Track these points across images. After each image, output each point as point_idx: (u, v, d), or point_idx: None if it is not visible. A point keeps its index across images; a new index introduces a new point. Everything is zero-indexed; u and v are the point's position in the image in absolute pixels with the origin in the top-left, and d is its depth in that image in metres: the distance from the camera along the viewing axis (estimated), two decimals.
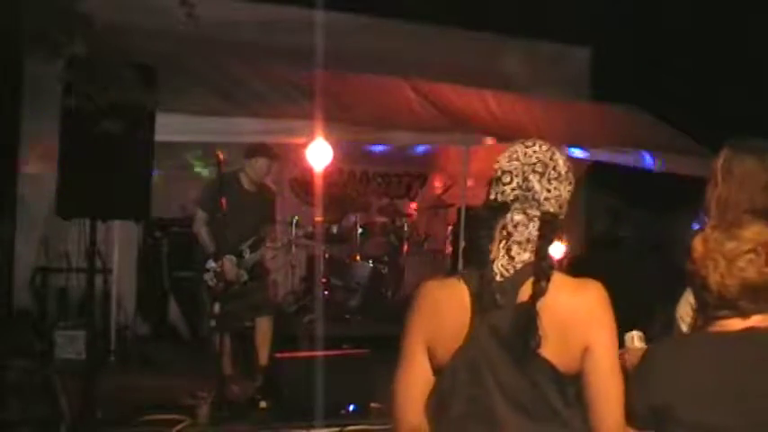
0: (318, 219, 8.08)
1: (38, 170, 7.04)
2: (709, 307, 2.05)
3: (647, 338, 2.94)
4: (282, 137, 7.35)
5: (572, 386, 1.99)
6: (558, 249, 8.13)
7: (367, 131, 7.63)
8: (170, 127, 5.81)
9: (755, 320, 2.04)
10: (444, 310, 2.06)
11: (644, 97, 8.96)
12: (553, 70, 9.99)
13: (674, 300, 2.99)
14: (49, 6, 4.84)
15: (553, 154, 2.08)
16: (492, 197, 2.09)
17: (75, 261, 7.14)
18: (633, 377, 2.10)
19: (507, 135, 8.17)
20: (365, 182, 9.94)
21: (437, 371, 2.07)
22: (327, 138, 7.34)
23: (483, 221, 2.08)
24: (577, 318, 1.98)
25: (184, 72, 6.81)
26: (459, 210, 8.58)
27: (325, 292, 8.18)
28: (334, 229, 8.73)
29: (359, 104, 7.69)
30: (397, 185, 10.09)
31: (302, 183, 9.31)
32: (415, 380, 2.09)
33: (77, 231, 6.41)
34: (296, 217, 8.23)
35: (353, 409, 5.55)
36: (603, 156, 8.59)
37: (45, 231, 7.55)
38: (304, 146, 7.65)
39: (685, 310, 2.79)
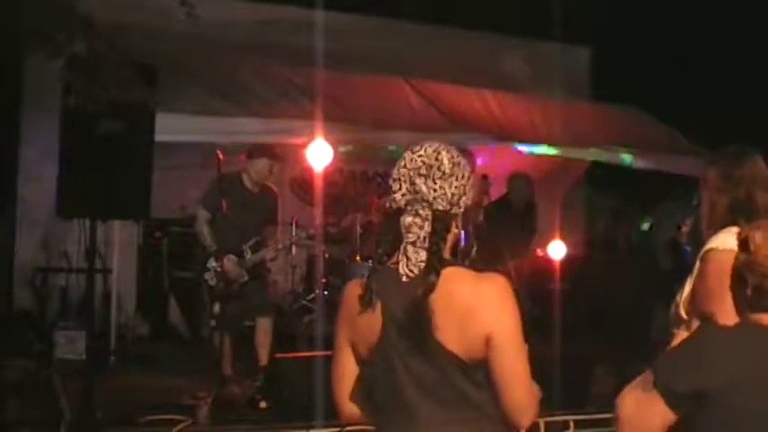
0: (318, 219, 8.07)
1: (38, 170, 7.04)
2: (754, 296, 2.11)
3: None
4: (282, 137, 7.35)
5: (479, 370, 2.09)
6: (557, 249, 8.15)
7: (367, 131, 7.63)
8: (170, 127, 5.80)
9: None
10: (355, 307, 2.20)
11: (644, 97, 8.96)
12: (553, 70, 9.99)
13: (667, 299, 3.04)
14: (50, 6, 4.84)
15: (438, 154, 2.19)
16: (387, 205, 2.23)
17: (75, 261, 7.14)
18: (677, 358, 2.17)
19: (507, 135, 8.18)
20: (365, 182, 9.94)
21: (361, 363, 2.25)
22: (327, 138, 7.34)
23: (383, 228, 2.24)
24: (476, 308, 2.07)
25: (184, 72, 6.80)
26: None
27: (325, 292, 8.18)
28: (334, 230, 8.73)
29: (359, 104, 7.69)
30: None
31: (302, 183, 9.31)
32: (343, 373, 2.32)
33: (77, 231, 6.40)
34: (294, 218, 8.22)
35: None
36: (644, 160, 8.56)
37: (45, 231, 7.55)
38: (304, 146, 7.65)
39: (686, 297, 2.88)
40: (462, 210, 2.20)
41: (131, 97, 4.75)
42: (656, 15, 8.91)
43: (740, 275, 2.15)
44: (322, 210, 8.21)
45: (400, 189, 2.19)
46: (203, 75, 7.13)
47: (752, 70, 8.28)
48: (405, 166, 2.19)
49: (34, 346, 6.72)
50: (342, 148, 8.36)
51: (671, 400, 2.10)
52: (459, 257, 2.28)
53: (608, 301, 8.02)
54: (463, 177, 2.20)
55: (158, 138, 5.15)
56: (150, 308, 8.13)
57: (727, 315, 2.30)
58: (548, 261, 7.97)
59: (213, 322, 6.02)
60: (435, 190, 2.16)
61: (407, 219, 2.16)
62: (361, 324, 2.19)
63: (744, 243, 2.16)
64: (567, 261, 8.11)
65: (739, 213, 2.85)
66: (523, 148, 8.19)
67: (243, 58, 7.73)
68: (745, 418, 2.04)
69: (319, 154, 7.65)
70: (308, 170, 8.24)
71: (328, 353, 6.28)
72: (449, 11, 8.87)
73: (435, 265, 2.09)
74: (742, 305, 2.17)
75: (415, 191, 2.17)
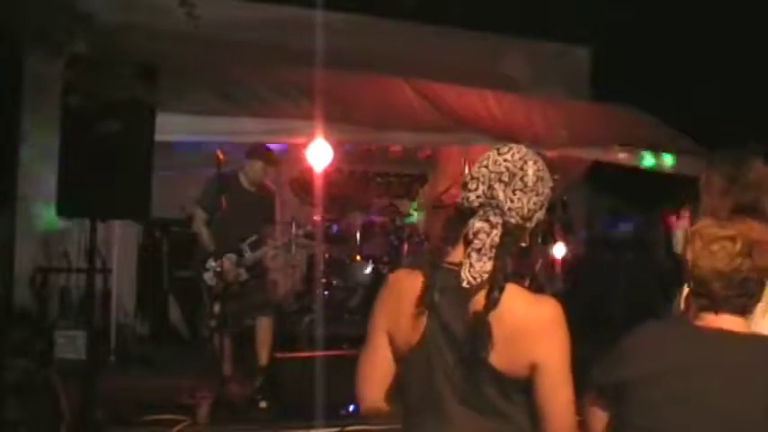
0: (318, 219, 8.07)
1: (38, 170, 7.04)
2: (693, 295, 2.17)
3: None
4: (282, 137, 7.35)
5: (515, 386, 2.03)
6: (558, 250, 8.16)
7: (367, 131, 7.63)
8: (170, 127, 5.80)
9: (725, 320, 2.14)
10: (404, 300, 2.11)
11: (644, 97, 8.95)
12: (553, 70, 9.99)
13: (674, 299, 3.01)
14: (50, 5, 4.84)
15: (524, 164, 2.08)
16: (459, 201, 2.13)
17: (75, 261, 7.14)
18: (607, 355, 2.22)
19: (507, 135, 8.16)
20: (365, 182, 9.94)
21: (397, 358, 2.16)
22: (327, 138, 7.34)
23: (449, 223, 2.14)
24: (528, 331, 2.00)
25: (185, 72, 6.80)
26: None
27: (326, 292, 8.18)
28: (334, 229, 8.73)
29: (359, 104, 7.68)
30: (397, 185, 10.09)
31: (302, 183, 9.31)
32: (374, 364, 2.21)
33: (77, 231, 6.41)
34: (293, 217, 8.23)
35: (353, 409, 5.54)
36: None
37: (45, 231, 7.54)
38: (304, 146, 7.65)
39: (685, 296, 2.88)
40: (533, 225, 2.10)
41: (131, 97, 4.74)
42: (655, 15, 8.90)
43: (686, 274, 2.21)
44: (322, 210, 8.21)
45: (476, 189, 2.08)
46: (203, 75, 7.13)
47: (752, 70, 8.27)
48: (486, 167, 2.09)
49: (34, 346, 6.71)
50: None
51: (600, 396, 2.18)
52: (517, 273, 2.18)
53: (607, 301, 8.02)
54: (543, 193, 2.09)
55: (158, 138, 5.14)
56: (150, 308, 8.13)
57: None
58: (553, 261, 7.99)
59: (213, 322, 6.02)
60: (513, 201, 2.05)
61: (477, 223, 2.05)
62: (405, 318, 2.10)
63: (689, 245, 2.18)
64: (567, 261, 8.11)
65: (746, 216, 2.84)
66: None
67: (243, 58, 7.73)
68: (659, 410, 2.09)
69: (319, 154, 7.66)
70: (308, 170, 8.24)
71: (328, 353, 6.32)
72: (449, 11, 8.86)
73: (500, 281, 2.00)
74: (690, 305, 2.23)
75: (491, 195, 2.06)
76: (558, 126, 8.47)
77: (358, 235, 8.80)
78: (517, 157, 2.08)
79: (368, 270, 8.67)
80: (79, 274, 7.00)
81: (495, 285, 2.00)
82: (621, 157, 8.60)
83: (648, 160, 8.64)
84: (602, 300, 8.19)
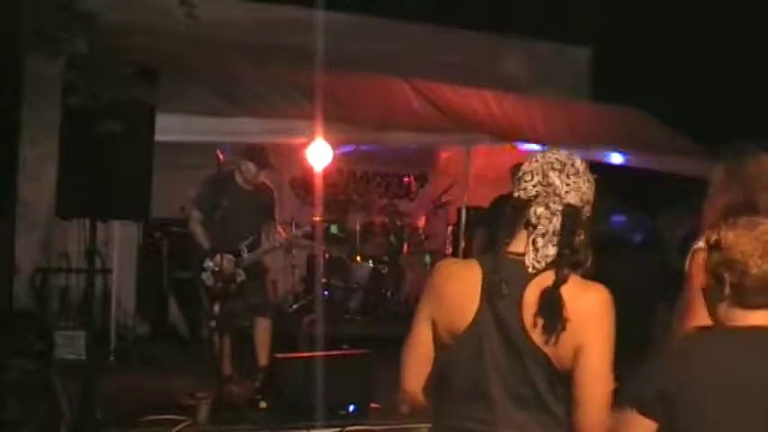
0: (318, 219, 8.08)
1: (38, 170, 7.04)
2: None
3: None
4: (282, 137, 7.35)
5: (562, 383, 2.07)
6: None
7: (367, 131, 7.63)
8: (170, 127, 5.80)
9: (759, 317, 2.13)
10: (453, 288, 2.17)
11: (644, 97, 8.95)
12: (553, 70, 9.99)
13: (675, 299, 3.01)
14: (50, 5, 4.84)
15: (570, 155, 2.20)
16: (515, 195, 2.19)
17: (75, 261, 7.14)
18: (642, 370, 2.19)
19: (507, 135, 8.18)
20: (365, 182, 9.95)
21: (440, 346, 2.18)
22: (327, 138, 7.34)
23: (507, 217, 2.18)
24: (578, 316, 2.04)
25: (184, 72, 6.80)
26: (459, 210, 8.57)
27: (326, 292, 8.18)
28: (335, 229, 8.73)
29: (359, 104, 7.69)
30: (397, 185, 10.09)
31: (302, 183, 9.31)
32: (416, 351, 2.24)
33: (77, 231, 6.40)
34: (293, 217, 8.23)
35: (353, 409, 5.54)
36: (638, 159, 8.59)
37: (45, 231, 7.55)
38: (304, 146, 7.65)
39: None
40: (588, 214, 2.19)
41: (131, 97, 4.74)
42: (655, 15, 8.90)
43: (717, 274, 2.17)
44: (322, 209, 8.21)
45: (531, 180, 2.16)
46: (203, 75, 7.13)
47: (752, 70, 8.27)
48: (537, 161, 2.18)
49: (34, 346, 6.71)
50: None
51: (644, 410, 2.13)
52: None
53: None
54: (590, 181, 2.20)
55: (158, 138, 5.14)
56: (150, 308, 8.13)
57: (701, 314, 2.36)
58: None
59: (213, 322, 6.02)
60: (569, 184, 2.15)
61: (539, 209, 2.13)
62: (452, 305, 2.15)
63: (716, 243, 2.18)
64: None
65: (740, 213, 2.84)
66: (525, 147, 8.16)
67: (243, 58, 7.73)
68: (705, 416, 2.07)
69: (319, 154, 7.66)
70: (308, 170, 8.24)
71: (328, 353, 6.32)
72: (449, 11, 8.86)
73: (567, 257, 2.08)
74: (716, 304, 2.19)
75: (547, 183, 2.15)
76: (558, 126, 8.48)
77: (358, 235, 8.80)
78: (563, 152, 2.21)
79: (368, 270, 8.67)
80: (79, 274, 7.00)
81: (562, 263, 2.07)
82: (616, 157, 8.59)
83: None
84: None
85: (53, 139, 5.07)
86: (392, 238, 8.96)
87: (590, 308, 2.06)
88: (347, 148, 8.64)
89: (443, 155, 9.85)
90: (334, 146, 7.67)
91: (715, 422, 2.07)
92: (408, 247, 9.02)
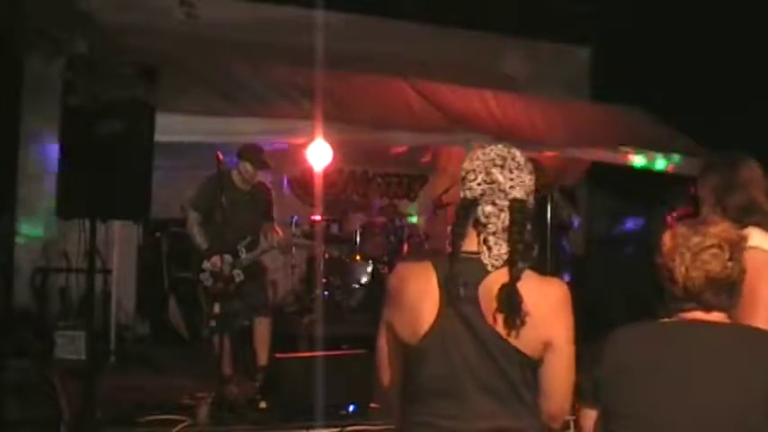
0: (318, 219, 8.07)
1: (38, 170, 7.04)
2: (677, 299, 2.20)
3: None
4: (282, 137, 7.36)
5: (533, 369, 2.14)
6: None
7: (367, 131, 7.63)
8: (170, 127, 5.80)
9: (716, 316, 2.18)
10: (410, 291, 2.19)
11: (644, 97, 8.95)
12: (553, 70, 9.99)
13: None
14: (50, 5, 4.84)
15: (510, 149, 2.23)
16: (462, 195, 2.22)
17: (75, 261, 7.13)
18: (586, 358, 2.27)
19: (507, 135, 8.16)
20: (365, 182, 9.94)
21: (404, 347, 2.22)
22: (327, 138, 7.34)
23: (457, 219, 2.20)
24: (540, 311, 2.09)
25: (184, 72, 6.80)
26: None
27: (326, 293, 8.17)
28: (335, 229, 8.72)
29: (359, 104, 7.69)
30: (397, 185, 10.09)
31: (302, 183, 9.31)
32: (383, 351, 2.33)
33: (77, 231, 6.40)
34: (295, 217, 8.23)
35: (353, 409, 5.54)
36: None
37: (45, 231, 7.55)
38: (304, 146, 7.64)
39: None
40: (532, 206, 2.21)
41: (131, 97, 4.74)
42: (655, 15, 8.90)
43: (660, 276, 2.24)
44: (322, 209, 8.21)
45: (476, 179, 2.19)
46: (203, 75, 7.13)
47: (752, 70, 8.27)
48: (479, 159, 2.20)
49: (34, 346, 6.72)
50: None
51: (586, 402, 2.26)
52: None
53: (607, 302, 8.02)
54: (532, 173, 2.22)
55: (158, 138, 5.15)
56: (150, 308, 8.13)
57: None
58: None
59: (213, 322, 6.02)
60: (512, 179, 2.17)
61: (486, 208, 2.16)
62: (410, 309, 2.17)
63: (659, 246, 2.23)
64: (566, 261, 8.11)
65: (745, 216, 2.89)
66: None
67: (243, 58, 7.73)
68: (623, 400, 2.15)
69: (319, 154, 7.65)
70: (308, 170, 8.24)
71: (328, 353, 6.31)
72: (449, 11, 8.86)
73: (521, 252, 2.10)
74: (666, 306, 2.26)
75: (491, 180, 2.17)
76: (558, 126, 8.47)
77: (358, 235, 8.80)
78: (501, 146, 2.24)
79: (368, 270, 8.67)
80: (79, 274, 7.00)
81: (516, 259, 2.10)
82: (617, 156, 8.59)
83: (640, 161, 8.64)
84: (602, 300, 8.19)
85: (53, 139, 5.07)
86: (392, 238, 8.95)
87: (552, 304, 2.12)
88: (347, 149, 8.64)
89: (443, 155, 9.85)
90: (335, 146, 7.67)
91: (633, 405, 2.13)
92: (408, 247, 9.01)
